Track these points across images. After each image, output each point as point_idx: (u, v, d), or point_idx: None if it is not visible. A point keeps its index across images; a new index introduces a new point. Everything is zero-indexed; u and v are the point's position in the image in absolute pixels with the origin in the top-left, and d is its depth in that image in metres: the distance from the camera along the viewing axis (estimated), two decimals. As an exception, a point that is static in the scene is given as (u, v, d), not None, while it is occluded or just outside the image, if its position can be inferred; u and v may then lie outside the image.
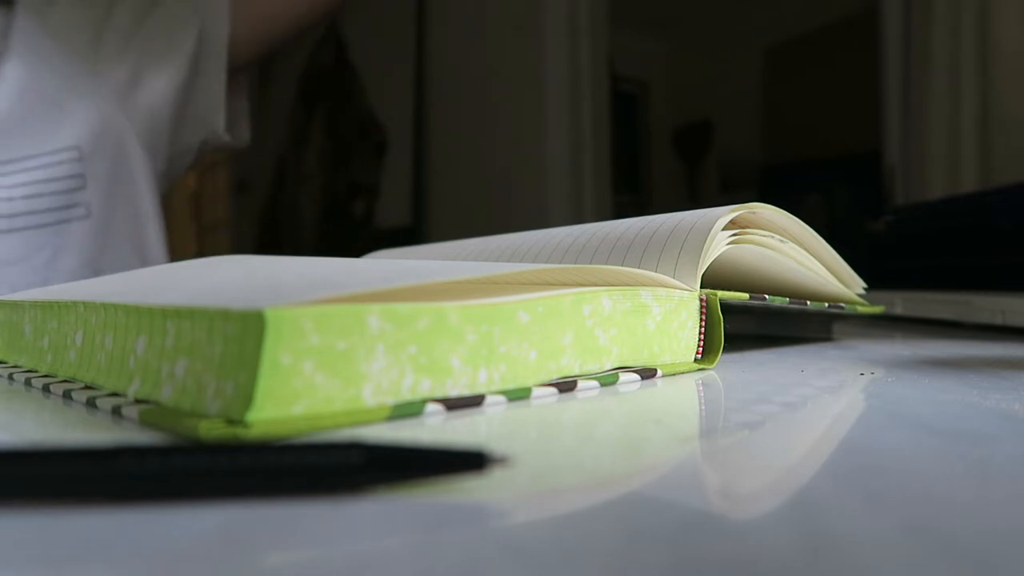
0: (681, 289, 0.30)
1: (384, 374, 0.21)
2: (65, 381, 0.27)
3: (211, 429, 0.18)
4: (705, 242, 0.31)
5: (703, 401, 0.26)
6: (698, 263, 0.31)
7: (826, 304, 0.38)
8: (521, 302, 0.25)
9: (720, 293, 0.31)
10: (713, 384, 0.28)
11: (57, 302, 0.29)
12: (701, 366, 0.31)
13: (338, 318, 0.20)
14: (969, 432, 0.20)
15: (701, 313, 0.31)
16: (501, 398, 0.24)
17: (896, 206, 1.63)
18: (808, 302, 0.37)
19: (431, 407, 0.22)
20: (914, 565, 0.11)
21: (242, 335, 0.19)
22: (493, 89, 2.05)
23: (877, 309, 0.46)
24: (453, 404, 0.22)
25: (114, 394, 0.24)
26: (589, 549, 0.12)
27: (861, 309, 0.43)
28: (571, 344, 0.26)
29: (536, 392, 0.25)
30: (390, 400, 0.21)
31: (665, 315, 0.29)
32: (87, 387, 0.25)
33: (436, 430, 0.21)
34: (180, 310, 0.21)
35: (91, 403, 0.24)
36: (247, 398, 0.18)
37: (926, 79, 1.77)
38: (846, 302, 0.41)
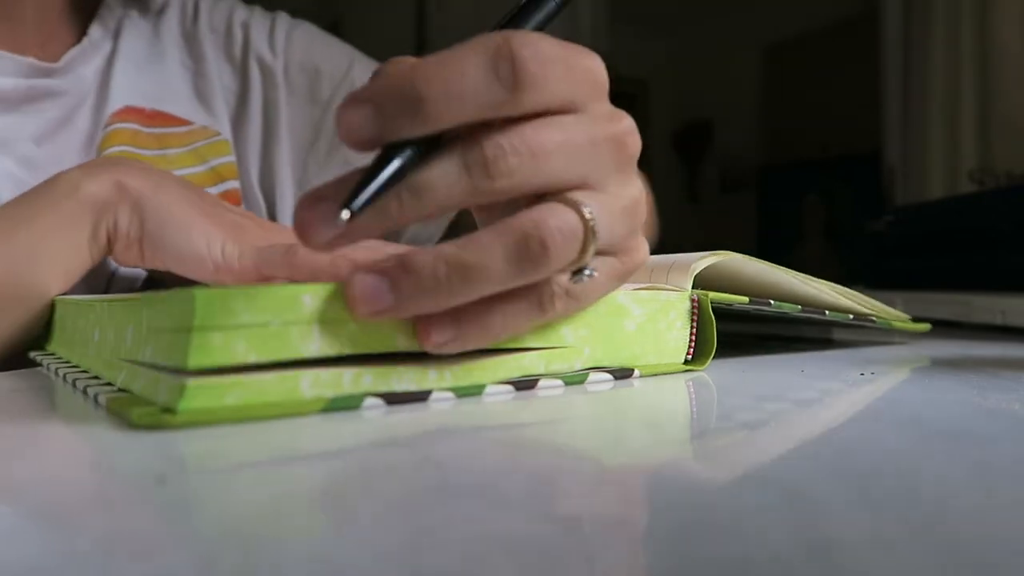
0: (668, 290, 0.30)
1: (322, 359, 0.21)
2: (78, 370, 0.29)
3: (142, 416, 0.20)
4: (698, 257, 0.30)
5: (701, 402, 0.26)
6: (690, 266, 0.30)
7: (850, 316, 0.36)
8: None
9: (712, 295, 0.30)
10: (711, 385, 0.28)
11: (83, 301, 0.32)
12: (690, 367, 0.30)
13: (270, 297, 0.20)
14: (969, 432, 0.20)
15: (693, 314, 0.31)
16: (449, 395, 0.24)
17: (896, 206, 1.63)
18: (827, 311, 0.35)
19: (370, 401, 0.22)
20: (913, 565, 0.11)
21: (180, 316, 0.20)
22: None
23: (921, 327, 0.43)
24: (395, 399, 0.23)
25: (108, 384, 0.25)
26: (588, 549, 0.12)
27: (898, 324, 0.40)
28: (533, 339, 0.26)
29: (490, 389, 0.25)
30: (329, 393, 0.21)
31: (648, 316, 0.29)
32: (93, 377, 0.27)
33: (375, 423, 0.21)
34: (150, 298, 0.23)
35: (84, 391, 0.25)
36: (181, 386, 0.19)
37: (926, 79, 1.77)
38: (877, 316, 0.38)
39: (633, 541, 0.12)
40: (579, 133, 0.23)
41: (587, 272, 0.23)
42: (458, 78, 0.21)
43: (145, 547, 0.12)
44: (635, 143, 0.25)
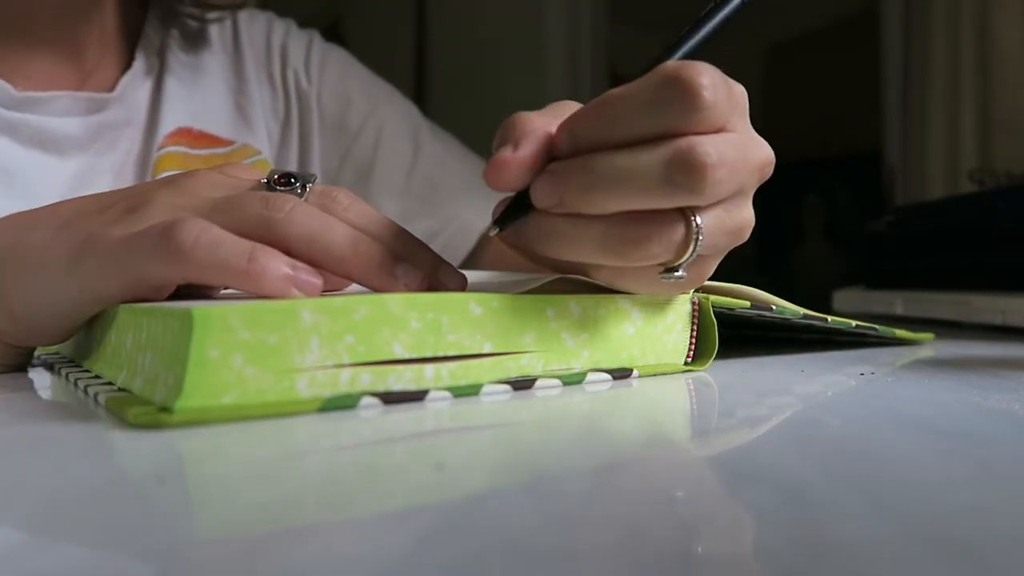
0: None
1: (320, 367, 0.21)
2: (80, 369, 0.29)
3: (139, 415, 0.20)
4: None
5: (701, 401, 0.26)
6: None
7: (853, 324, 0.36)
8: (472, 294, 0.25)
9: (714, 298, 0.31)
10: (712, 384, 0.28)
11: None
12: (690, 368, 0.30)
13: (268, 314, 0.21)
14: (969, 432, 0.20)
15: (694, 317, 0.31)
16: (446, 394, 0.24)
17: (896, 206, 1.62)
18: (829, 318, 0.35)
19: (367, 400, 0.22)
20: (913, 565, 0.11)
21: (180, 331, 0.20)
22: (493, 89, 2.04)
23: (924, 336, 0.42)
24: (392, 398, 0.23)
25: (109, 383, 0.25)
26: (587, 548, 0.12)
27: (901, 334, 0.40)
28: (532, 343, 0.26)
29: (487, 389, 0.25)
30: (326, 392, 0.22)
31: (647, 319, 0.29)
32: (94, 376, 0.27)
33: (372, 422, 0.21)
34: (151, 309, 0.23)
35: (85, 391, 0.25)
36: (178, 388, 0.20)
37: (926, 79, 1.77)
38: (880, 326, 0.39)
39: (633, 540, 0.12)
40: (744, 154, 0.25)
41: (678, 274, 0.25)
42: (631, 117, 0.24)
43: (144, 546, 0.12)
44: (770, 172, 0.27)
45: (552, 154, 0.25)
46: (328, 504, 0.15)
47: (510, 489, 0.15)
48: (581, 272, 0.27)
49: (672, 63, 0.24)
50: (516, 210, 0.26)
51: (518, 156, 0.25)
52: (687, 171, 0.23)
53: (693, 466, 0.18)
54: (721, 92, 0.24)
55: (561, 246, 0.25)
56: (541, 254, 0.26)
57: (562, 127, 0.25)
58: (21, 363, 0.32)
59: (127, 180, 0.54)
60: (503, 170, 0.25)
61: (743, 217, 0.27)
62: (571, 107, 0.27)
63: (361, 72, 0.67)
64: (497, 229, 0.26)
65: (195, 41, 0.60)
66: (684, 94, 0.23)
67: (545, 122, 0.25)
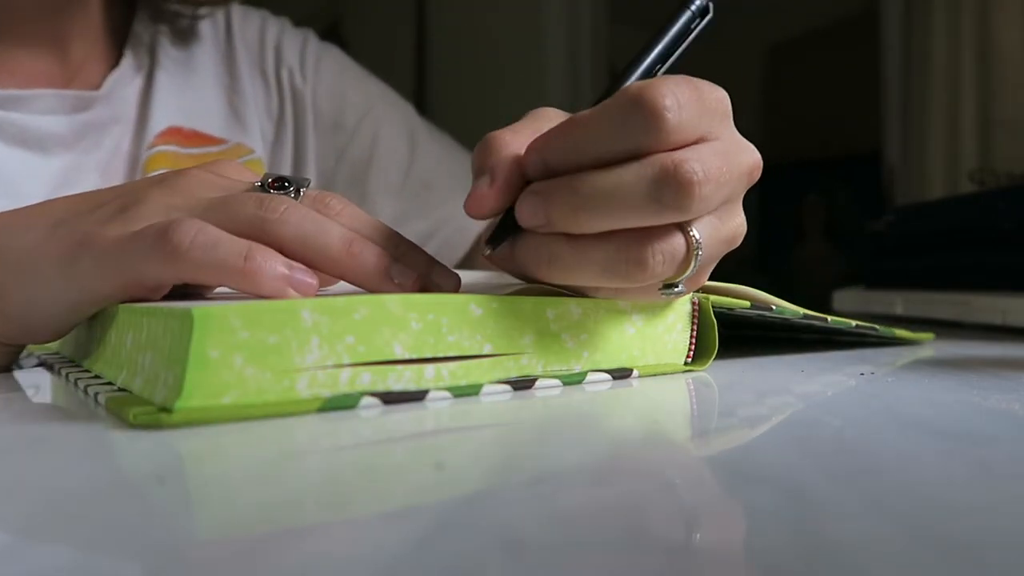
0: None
1: (320, 367, 0.21)
2: (80, 369, 0.29)
3: (139, 415, 0.20)
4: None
5: (704, 401, 0.26)
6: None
7: (853, 324, 0.36)
8: (473, 296, 0.25)
9: (713, 298, 0.30)
10: (712, 384, 0.28)
11: None
12: (690, 368, 0.30)
13: (268, 314, 0.21)
14: (969, 432, 0.20)
15: (694, 317, 0.31)
16: (446, 394, 0.24)
17: (896, 206, 1.62)
18: (829, 318, 0.35)
19: (367, 400, 0.22)
20: (913, 566, 0.11)
21: (180, 331, 0.20)
22: (493, 89, 2.05)
23: (924, 336, 0.43)
24: (392, 399, 0.23)
25: (109, 383, 0.25)
26: (587, 548, 0.12)
27: (901, 334, 0.40)
28: (531, 344, 0.26)
29: (487, 389, 0.25)
30: (326, 392, 0.22)
31: (646, 319, 0.29)
32: (94, 376, 0.27)
33: (372, 422, 0.21)
34: (151, 309, 0.23)
35: (85, 391, 0.25)
36: (178, 388, 0.20)
37: (926, 79, 1.77)
38: (880, 326, 0.39)
39: (633, 540, 0.12)
40: (729, 162, 0.25)
41: (677, 288, 0.26)
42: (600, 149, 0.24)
43: (144, 546, 0.12)
44: (758, 175, 0.27)
45: (525, 176, 0.25)
46: (328, 504, 0.15)
47: (510, 489, 0.15)
48: (577, 291, 0.27)
49: (636, 84, 0.24)
50: (504, 230, 0.26)
51: (495, 190, 0.25)
52: (674, 189, 0.23)
53: (693, 466, 0.18)
54: (688, 109, 0.23)
55: (565, 272, 0.25)
56: (545, 281, 0.26)
57: (531, 150, 0.25)
58: (9, 362, 0.32)
59: (115, 178, 0.53)
60: (482, 204, 0.25)
61: (736, 224, 0.27)
62: (550, 116, 0.27)
63: (357, 71, 0.66)
64: (489, 249, 0.26)
65: (186, 37, 0.59)
66: (647, 117, 0.23)
67: (519, 143, 0.25)
